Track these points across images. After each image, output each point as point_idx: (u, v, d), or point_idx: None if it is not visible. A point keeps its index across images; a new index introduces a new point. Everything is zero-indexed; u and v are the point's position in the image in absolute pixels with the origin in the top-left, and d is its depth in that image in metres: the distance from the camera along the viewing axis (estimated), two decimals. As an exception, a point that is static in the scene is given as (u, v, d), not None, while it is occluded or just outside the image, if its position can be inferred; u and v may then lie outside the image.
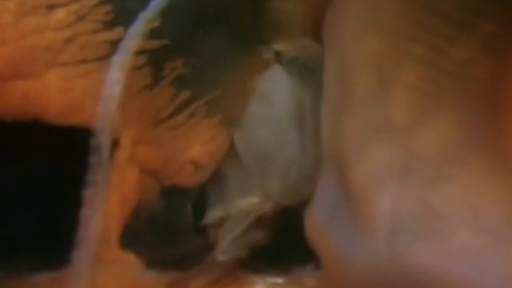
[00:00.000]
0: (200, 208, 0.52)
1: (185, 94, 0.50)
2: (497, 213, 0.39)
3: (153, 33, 0.48)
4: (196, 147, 0.50)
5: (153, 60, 0.48)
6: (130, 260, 0.49)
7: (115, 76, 0.47)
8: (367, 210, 0.41)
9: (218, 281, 0.51)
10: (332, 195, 0.44)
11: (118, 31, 0.47)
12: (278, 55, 0.52)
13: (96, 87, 0.47)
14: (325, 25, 0.47)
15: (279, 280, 0.51)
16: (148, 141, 0.49)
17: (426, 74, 0.41)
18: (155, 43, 0.48)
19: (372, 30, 0.43)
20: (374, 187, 0.41)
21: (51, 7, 0.46)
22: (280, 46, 0.52)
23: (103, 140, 0.46)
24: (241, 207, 0.52)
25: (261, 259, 0.52)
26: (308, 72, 0.52)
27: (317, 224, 0.45)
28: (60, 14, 0.46)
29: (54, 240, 0.48)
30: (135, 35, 0.47)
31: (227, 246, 0.52)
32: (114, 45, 0.47)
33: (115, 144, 0.47)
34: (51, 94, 0.47)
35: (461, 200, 0.39)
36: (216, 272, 0.51)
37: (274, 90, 0.52)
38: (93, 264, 0.46)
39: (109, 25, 0.47)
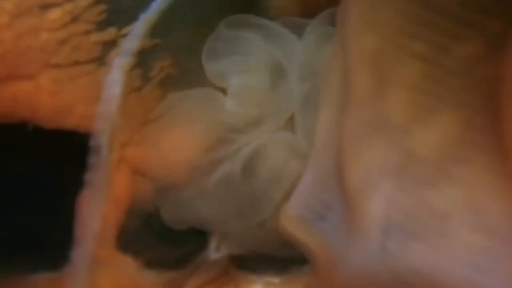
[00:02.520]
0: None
1: (172, 95, 0.50)
2: (500, 213, 0.39)
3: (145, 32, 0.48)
4: (182, 147, 0.50)
5: (143, 61, 0.48)
6: (128, 260, 0.49)
7: (116, 77, 0.46)
8: (360, 209, 0.41)
9: (214, 280, 0.51)
10: (325, 194, 0.44)
11: (110, 31, 0.47)
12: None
13: (86, 90, 0.47)
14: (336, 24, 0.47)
15: (276, 279, 0.51)
16: (137, 142, 0.49)
17: (427, 72, 0.41)
18: (147, 43, 0.48)
19: (372, 28, 0.42)
20: (369, 187, 0.41)
21: (45, 7, 0.46)
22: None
23: (103, 140, 0.46)
24: None
25: (257, 258, 0.52)
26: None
27: (301, 220, 0.45)
28: (55, 14, 0.46)
29: (53, 240, 0.48)
30: (136, 37, 0.47)
31: (218, 244, 0.52)
32: (105, 46, 0.47)
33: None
34: (42, 96, 0.47)
35: (463, 200, 0.39)
36: (212, 271, 0.51)
37: None
38: (91, 264, 0.46)
39: (102, 25, 0.47)
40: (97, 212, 0.46)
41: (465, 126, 0.40)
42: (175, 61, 0.49)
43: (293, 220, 0.45)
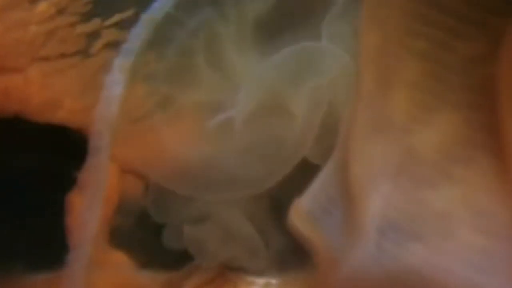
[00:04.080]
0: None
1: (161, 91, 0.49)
2: (500, 213, 0.38)
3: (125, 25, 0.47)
4: (176, 145, 0.49)
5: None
6: (122, 260, 0.49)
7: (117, 77, 0.46)
8: (359, 208, 0.40)
9: (213, 281, 0.50)
10: (330, 189, 0.43)
11: (94, 22, 0.47)
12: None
13: (73, 83, 0.47)
14: None
15: (274, 280, 0.51)
16: (126, 140, 0.48)
17: (429, 70, 0.40)
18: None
19: (375, 26, 0.42)
20: (367, 186, 0.40)
21: (34, 0, 0.46)
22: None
23: (102, 142, 0.46)
24: None
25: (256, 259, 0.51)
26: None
27: (308, 214, 0.44)
28: (42, 6, 0.46)
29: (51, 240, 0.48)
30: (138, 37, 0.46)
31: None
32: (89, 38, 0.47)
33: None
34: (32, 89, 0.47)
35: (463, 199, 0.39)
36: (211, 272, 0.50)
37: None
38: (88, 265, 0.46)
39: (87, 17, 0.47)
40: (95, 213, 0.46)
41: (466, 125, 0.39)
42: (160, 55, 0.48)
43: (302, 214, 0.44)
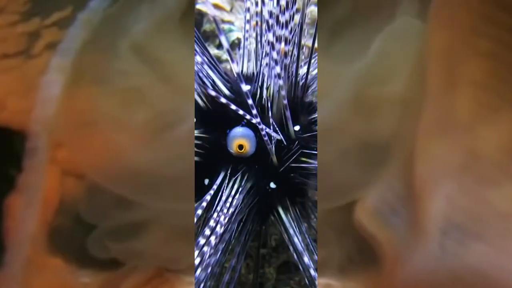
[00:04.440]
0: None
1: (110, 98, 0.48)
2: None
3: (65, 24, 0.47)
4: (127, 150, 0.48)
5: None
6: (60, 262, 0.48)
7: (54, 77, 0.45)
8: (422, 208, 0.41)
9: (150, 281, 0.50)
10: (397, 187, 0.44)
11: (34, 22, 0.47)
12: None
13: (16, 84, 0.47)
14: None
15: (335, 282, 0.49)
16: (69, 143, 0.47)
17: (493, 70, 0.40)
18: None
19: (441, 25, 0.42)
20: (431, 186, 0.41)
21: (-27, 0, 0.46)
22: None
23: (39, 143, 0.45)
24: None
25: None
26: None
27: (374, 212, 0.44)
28: None
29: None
30: (74, 37, 0.46)
31: None
32: (31, 37, 0.47)
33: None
34: None
35: None
36: (149, 272, 0.50)
37: None
38: (24, 268, 0.46)
39: (26, 16, 0.46)
40: (33, 215, 0.46)
41: None
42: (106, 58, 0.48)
43: (369, 212, 0.44)
